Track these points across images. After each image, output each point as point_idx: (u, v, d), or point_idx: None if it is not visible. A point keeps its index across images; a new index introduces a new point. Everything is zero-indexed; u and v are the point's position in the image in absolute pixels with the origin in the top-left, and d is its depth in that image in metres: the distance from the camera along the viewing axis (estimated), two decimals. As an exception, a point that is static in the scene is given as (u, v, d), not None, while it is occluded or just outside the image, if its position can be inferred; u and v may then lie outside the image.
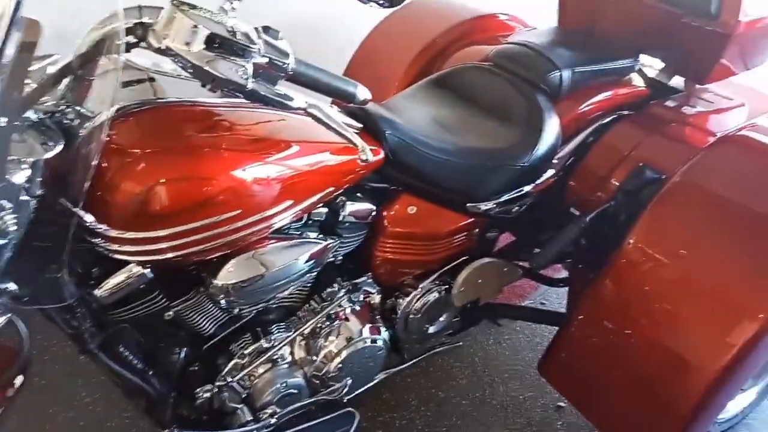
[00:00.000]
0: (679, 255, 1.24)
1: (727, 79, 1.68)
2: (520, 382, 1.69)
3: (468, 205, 1.33)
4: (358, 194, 1.23)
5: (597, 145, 1.50)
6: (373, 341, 1.31)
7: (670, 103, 1.64)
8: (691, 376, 1.20)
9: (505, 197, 1.37)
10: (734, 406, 1.59)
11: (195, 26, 0.78)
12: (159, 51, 0.81)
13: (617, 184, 1.42)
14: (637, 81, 1.66)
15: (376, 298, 1.35)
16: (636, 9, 1.61)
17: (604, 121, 1.54)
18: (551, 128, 1.39)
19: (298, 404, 1.25)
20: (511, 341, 1.80)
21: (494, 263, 1.44)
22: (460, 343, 1.60)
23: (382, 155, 1.19)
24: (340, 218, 1.19)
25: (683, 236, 1.25)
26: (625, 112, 1.57)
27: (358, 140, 0.98)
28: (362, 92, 0.97)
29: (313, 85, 0.93)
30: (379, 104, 1.40)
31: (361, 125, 1.20)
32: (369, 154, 0.97)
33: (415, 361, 1.51)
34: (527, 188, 1.39)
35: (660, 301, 1.23)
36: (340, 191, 1.14)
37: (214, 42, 0.79)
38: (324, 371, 1.25)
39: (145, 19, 0.84)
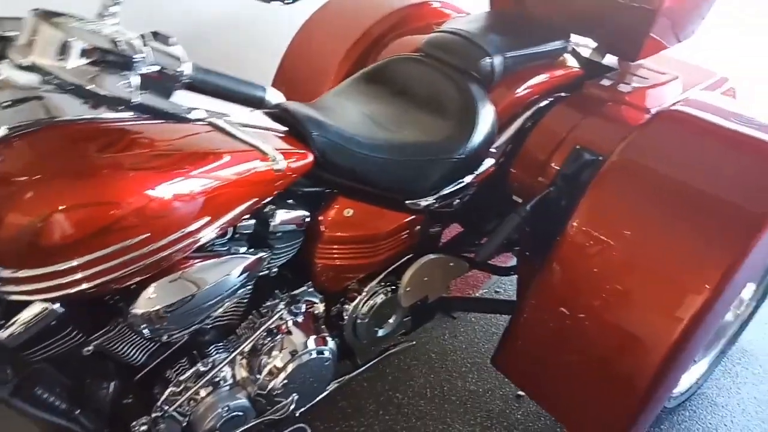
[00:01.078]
0: (621, 235, 1.23)
1: (660, 53, 1.69)
2: (478, 375, 1.67)
3: (407, 202, 1.29)
4: (290, 201, 1.17)
5: (535, 130, 1.47)
6: (320, 352, 1.25)
7: (605, 82, 1.63)
8: (643, 354, 1.19)
9: (445, 191, 1.33)
10: (687, 379, 1.60)
11: (67, 38, 0.70)
12: (26, 68, 0.73)
13: (557, 168, 1.40)
14: (572, 62, 1.65)
15: (320, 307, 1.30)
16: (564, -11, 1.60)
17: (541, 105, 1.52)
18: (485, 117, 1.35)
19: (245, 426, 1.20)
20: (467, 334, 1.78)
21: (439, 259, 1.40)
22: (413, 342, 1.56)
23: (310, 158, 1.13)
24: (271, 229, 1.12)
25: (624, 216, 1.24)
26: (563, 95, 1.56)
27: (268, 148, 0.91)
28: (273, 95, 0.91)
29: (216, 93, 0.86)
30: (307, 104, 1.34)
31: (285, 129, 1.14)
32: (281, 162, 0.91)
33: (368, 365, 1.47)
34: (466, 180, 1.36)
35: (606, 283, 1.22)
36: (266, 200, 1.07)
37: (92, 55, 0.71)
38: (269, 389, 1.19)
39: (5, 32, 0.75)
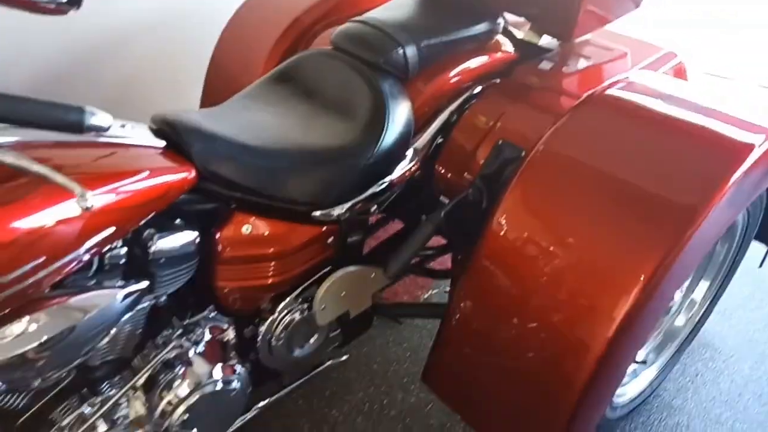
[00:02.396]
0: (547, 231, 1.12)
1: (605, 27, 1.56)
2: (420, 386, 1.57)
3: (314, 214, 1.19)
4: (177, 221, 1.07)
5: (458, 124, 1.36)
6: (226, 382, 1.16)
7: (544, 65, 1.51)
8: (574, 356, 1.09)
9: (357, 198, 1.22)
10: (637, 385, 1.50)
11: None
12: None
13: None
14: (508, 45, 1.52)
15: (230, 333, 1.20)
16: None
17: (468, 95, 1.40)
18: (399, 115, 1.24)
19: None
20: (412, 340, 1.68)
21: (357, 272, 1.29)
22: (345, 357, 1.47)
23: (192, 174, 1.03)
24: (150, 256, 1.02)
25: (550, 211, 1.13)
26: (498, 81, 1.44)
27: (68, 182, 0.78)
28: (97, 118, 0.80)
29: (18, 120, 0.75)
30: (202, 111, 1.23)
31: (164, 143, 1.04)
32: (89, 198, 0.80)
33: (294, 385, 1.38)
34: (383, 184, 1.25)
35: (533, 283, 1.11)
36: (135, 226, 0.97)
37: None
38: (166, 426, 1.10)
39: None
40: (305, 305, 1.26)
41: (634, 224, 1.07)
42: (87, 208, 0.77)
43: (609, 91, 1.26)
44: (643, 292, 1.03)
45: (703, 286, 1.59)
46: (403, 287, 1.79)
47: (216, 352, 1.18)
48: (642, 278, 1.03)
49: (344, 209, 1.21)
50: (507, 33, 1.53)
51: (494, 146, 1.25)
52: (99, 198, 0.86)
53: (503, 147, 1.24)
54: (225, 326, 1.20)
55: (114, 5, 1.86)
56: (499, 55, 1.46)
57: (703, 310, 1.62)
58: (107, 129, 0.82)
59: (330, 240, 1.24)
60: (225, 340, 1.20)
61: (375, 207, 1.28)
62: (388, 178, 1.26)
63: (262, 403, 1.33)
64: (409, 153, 1.32)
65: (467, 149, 1.32)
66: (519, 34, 1.56)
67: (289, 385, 1.38)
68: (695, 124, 1.15)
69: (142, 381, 1.10)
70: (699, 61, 1.82)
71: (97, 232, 0.88)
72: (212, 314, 1.18)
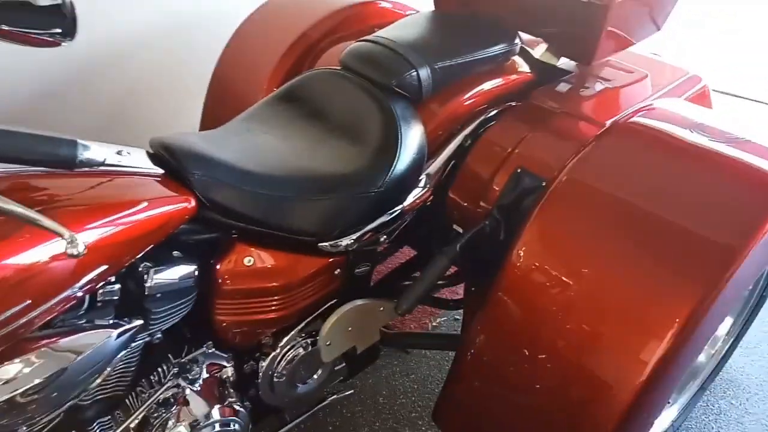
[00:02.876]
0: (572, 266, 1.05)
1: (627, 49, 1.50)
2: (428, 421, 1.49)
3: (320, 245, 1.12)
4: (176, 253, 1.01)
5: (473, 150, 1.29)
6: (225, 425, 1.08)
7: (562, 87, 1.44)
8: (603, 402, 1.02)
9: (366, 229, 1.16)
10: (657, 426, 1.42)
11: None
12: None
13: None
14: (524, 66, 1.46)
15: (228, 370, 1.13)
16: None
17: (483, 119, 1.34)
18: (411, 140, 1.17)
19: None
20: (420, 371, 1.60)
21: (365, 305, 1.22)
22: (351, 391, 1.39)
23: (192, 204, 0.96)
24: (146, 292, 0.96)
25: (575, 245, 1.07)
26: (514, 104, 1.38)
27: (56, 227, 0.72)
28: (90, 152, 0.74)
29: (4, 157, 0.69)
30: (203, 134, 1.16)
31: (162, 171, 0.97)
32: (79, 243, 0.73)
33: (297, 421, 1.31)
34: (393, 214, 1.18)
35: (556, 322, 1.05)
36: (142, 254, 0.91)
37: None
38: (159, 471, 1.03)
39: None
40: (309, 340, 1.19)
41: (667, 263, 1.00)
42: (76, 255, 0.70)
43: (635, 119, 1.20)
44: (677, 338, 0.96)
45: (728, 322, 1.51)
46: (410, 315, 1.72)
47: (214, 390, 1.11)
48: (677, 323, 0.96)
49: (352, 240, 1.14)
50: (523, 53, 1.47)
51: (512, 174, 1.19)
52: (90, 235, 0.80)
53: (522, 176, 1.17)
54: (224, 363, 1.13)
55: (112, 18, 1.80)
56: (515, 76, 1.40)
57: (727, 346, 1.55)
58: (101, 163, 0.76)
59: (337, 272, 1.17)
60: (224, 377, 1.13)
61: (385, 237, 1.21)
62: (399, 207, 1.19)
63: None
64: (422, 179, 1.26)
65: (483, 177, 1.25)
66: (536, 54, 1.50)
67: (291, 421, 1.30)
68: (728, 156, 1.09)
69: (135, 423, 1.03)
70: (698, 61, 1.74)
71: (90, 270, 0.82)
72: (210, 350, 1.11)
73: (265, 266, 1.08)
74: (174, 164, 0.98)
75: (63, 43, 0.69)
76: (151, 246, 0.93)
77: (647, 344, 0.98)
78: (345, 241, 1.13)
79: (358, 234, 1.14)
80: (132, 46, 1.88)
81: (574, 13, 1.30)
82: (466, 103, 1.31)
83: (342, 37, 1.64)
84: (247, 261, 1.07)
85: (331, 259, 1.15)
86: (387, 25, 1.46)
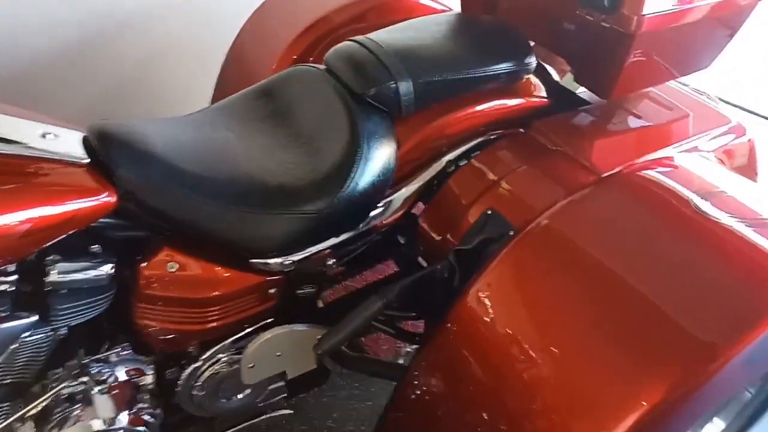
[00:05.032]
0: (525, 328, 0.92)
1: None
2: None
3: (252, 261, 1.03)
4: (95, 247, 0.94)
5: (456, 175, 1.15)
6: (130, 432, 1.03)
7: (581, 119, 1.26)
8: None
9: (310, 250, 1.05)
10: None
11: None
12: None
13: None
14: (540, 88, 1.28)
15: (148, 377, 1.07)
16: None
17: (474, 144, 1.19)
18: (375, 160, 1.04)
19: None
20: (378, 400, 1.48)
21: (301, 331, 1.11)
22: (290, 412, 1.30)
23: (114, 199, 0.89)
24: (47, 286, 0.90)
25: (533, 303, 0.94)
26: (521, 131, 1.21)
27: None
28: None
29: None
30: (154, 121, 1.07)
31: (88, 160, 0.91)
32: None
33: (229, 432, 1.23)
34: (342, 237, 1.07)
35: (499, 383, 0.91)
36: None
37: None
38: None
39: None
40: (236, 357, 1.11)
41: (634, 347, 0.85)
42: None
43: (643, 173, 1.02)
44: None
45: (718, 424, 1.27)
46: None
47: (125, 394, 1.04)
48: (630, 419, 0.81)
49: (290, 261, 1.04)
50: (542, 74, 1.29)
51: (482, 215, 1.04)
52: None
53: (491, 218, 1.02)
54: (142, 366, 1.07)
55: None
56: (523, 100, 1.23)
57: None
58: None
59: (272, 291, 1.08)
60: (141, 383, 1.07)
61: (333, 261, 1.10)
62: (352, 231, 1.07)
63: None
64: (391, 201, 1.13)
65: (455, 209, 1.10)
66: (560, 78, 1.32)
67: (220, 430, 1.24)
68: (738, 237, 0.90)
69: (34, 412, 0.99)
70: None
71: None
72: (126, 352, 1.05)
73: (189, 275, 1.00)
74: (102, 154, 0.91)
75: None
76: (59, 238, 0.87)
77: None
78: (281, 261, 1.03)
79: (298, 256, 1.04)
80: (150, 17, 1.85)
81: (596, 37, 1.11)
82: (456, 124, 1.16)
83: (363, 28, 1.50)
84: (170, 267, 0.99)
85: (266, 278, 1.06)
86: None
